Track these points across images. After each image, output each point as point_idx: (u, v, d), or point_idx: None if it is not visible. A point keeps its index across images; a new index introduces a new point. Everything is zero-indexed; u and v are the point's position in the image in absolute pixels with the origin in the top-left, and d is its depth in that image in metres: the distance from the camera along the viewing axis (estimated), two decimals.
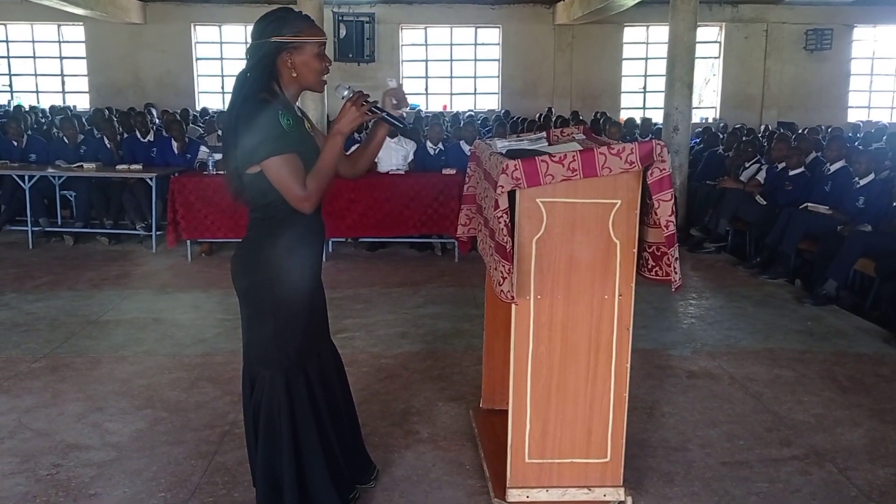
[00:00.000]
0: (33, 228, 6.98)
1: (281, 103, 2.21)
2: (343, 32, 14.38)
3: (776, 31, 15.17)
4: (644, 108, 15.67)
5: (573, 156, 2.33)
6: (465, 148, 7.09)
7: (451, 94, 16.04)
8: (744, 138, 8.55)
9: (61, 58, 15.68)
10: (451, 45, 15.78)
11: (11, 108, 12.76)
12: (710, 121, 14.70)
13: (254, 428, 2.38)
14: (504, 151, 2.66)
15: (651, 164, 2.34)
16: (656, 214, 2.36)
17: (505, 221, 2.31)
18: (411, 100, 2.25)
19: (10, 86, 15.77)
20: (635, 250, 2.47)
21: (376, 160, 4.97)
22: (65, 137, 7.75)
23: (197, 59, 15.44)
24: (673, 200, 2.36)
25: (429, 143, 7.32)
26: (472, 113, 13.96)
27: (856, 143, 9.59)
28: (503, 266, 2.33)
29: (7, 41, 15.61)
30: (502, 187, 2.32)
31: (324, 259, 2.57)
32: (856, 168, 5.95)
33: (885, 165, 6.85)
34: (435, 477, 2.88)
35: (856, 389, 3.80)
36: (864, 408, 3.57)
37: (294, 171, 2.14)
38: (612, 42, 15.34)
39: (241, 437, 2.75)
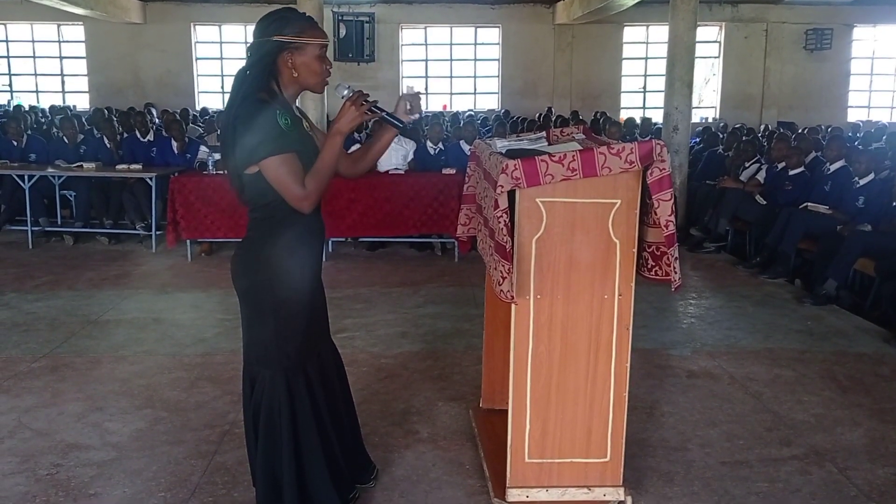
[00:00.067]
0: (33, 228, 6.98)
1: (279, 103, 2.21)
2: (343, 32, 14.37)
3: (776, 31, 15.17)
4: (644, 107, 15.67)
5: (573, 155, 2.33)
6: (465, 148, 7.09)
7: (451, 93, 16.04)
8: (744, 138, 8.55)
9: (61, 57, 15.68)
10: (451, 44, 15.78)
11: (11, 108, 12.75)
12: (710, 120, 14.69)
13: (254, 428, 2.38)
14: (504, 151, 2.66)
15: (651, 164, 2.34)
16: (656, 214, 2.36)
17: (505, 221, 2.31)
18: (421, 92, 2.25)
19: (10, 86, 15.77)
20: (635, 250, 2.47)
21: None
22: (64, 137, 7.74)
23: (197, 58, 15.44)
24: (673, 200, 2.36)
25: (429, 143, 7.32)
26: (472, 113, 13.96)
27: (856, 143, 9.59)
28: (503, 266, 2.33)
29: (7, 41, 15.60)
30: (502, 187, 2.32)
31: (324, 259, 2.57)
32: (856, 168, 5.95)
33: (885, 165, 6.85)
34: (435, 477, 2.88)
35: (856, 389, 3.80)
36: (864, 407, 3.57)
37: (292, 170, 2.13)
38: (611, 42, 15.33)
39: (240, 437, 2.75)
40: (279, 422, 2.31)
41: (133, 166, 7.01)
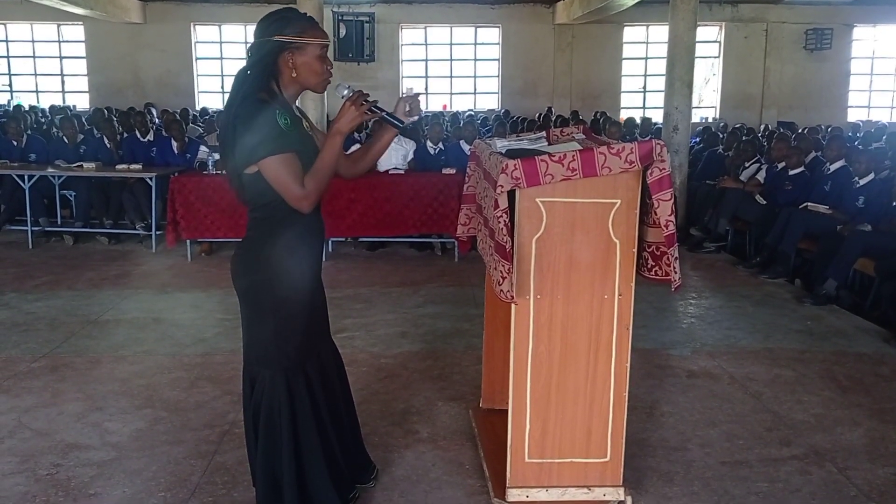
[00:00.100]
0: (33, 228, 6.98)
1: (279, 103, 2.21)
2: (343, 32, 14.37)
3: (776, 31, 15.17)
4: (644, 107, 15.67)
5: (573, 155, 2.33)
6: (465, 147, 7.09)
7: (451, 93, 16.04)
8: (744, 138, 8.55)
9: (61, 57, 15.67)
10: (451, 44, 15.78)
11: (11, 108, 12.75)
12: (710, 120, 14.69)
13: (254, 427, 2.38)
14: (504, 151, 2.66)
15: (651, 164, 2.34)
16: (656, 214, 2.36)
17: (505, 221, 2.31)
18: (420, 94, 2.25)
19: (10, 85, 15.77)
20: (635, 250, 2.47)
21: None
22: (64, 137, 7.74)
23: (197, 58, 15.44)
24: (673, 200, 2.36)
25: (429, 143, 7.32)
26: (472, 112, 13.96)
27: (855, 143, 9.59)
28: (503, 266, 2.33)
29: (7, 41, 15.60)
30: (502, 187, 2.32)
31: (324, 259, 2.57)
32: (855, 168, 5.95)
33: (885, 165, 6.85)
34: (435, 477, 2.88)
35: (855, 389, 3.80)
36: (864, 407, 3.57)
37: (292, 170, 2.13)
38: (611, 42, 15.33)
39: (240, 437, 2.75)
40: (279, 422, 2.31)
41: (133, 166, 7.01)
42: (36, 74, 15.82)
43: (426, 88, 15.82)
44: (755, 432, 3.30)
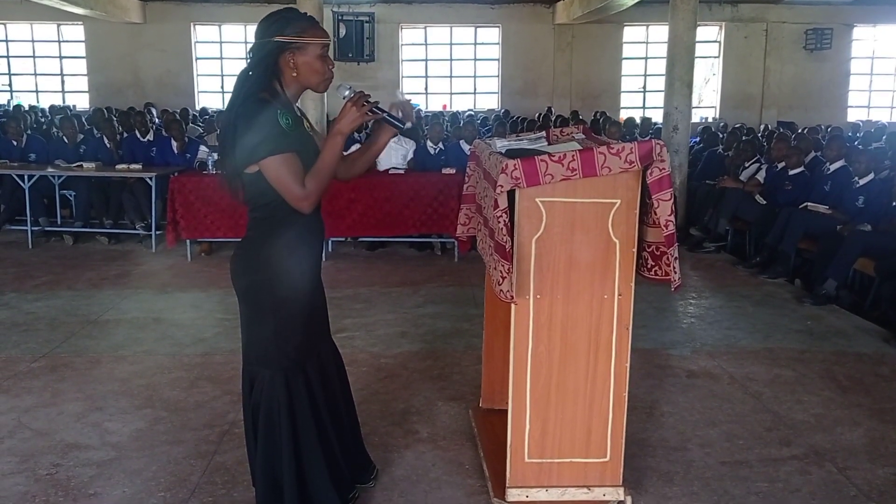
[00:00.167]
0: (33, 228, 6.98)
1: (280, 103, 2.21)
2: (343, 32, 14.36)
3: (776, 31, 15.17)
4: (644, 107, 15.67)
5: (573, 155, 2.33)
6: (465, 147, 7.09)
7: (451, 93, 16.04)
8: (743, 138, 8.55)
9: (61, 57, 15.67)
10: (451, 44, 15.78)
11: (11, 108, 12.75)
12: (710, 120, 14.69)
13: (253, 427, 2.38)
14: (503, 151, 2.66)
15: (650, 164, 2.34)
16: (656, 214, 2.36)
17: (504, 221, 2.31)
18: (411, 99, 2.26)
19: (10, 85, 15.76)
20: (635, 250, 2.47)
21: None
22: (64, 137, 7.74)
23: (197, 58, 15.44)
24: (672, 200, 2.36)
25: (429, 143, 7.32)
26: (472, 112, 13.95)
27: (855, 143, 9.60)
28: (502, 265, 2.33)
29: (7, 41, 15.60)
30: (502, 187, 2.32)
31: (323, 258, 2.57)
32: (855, 168, 5.95)
33: (885, 165, 6.85)
34: (434, 476, 2.88)
35: (855, 389, 3.80)
36: (864, 407, 3.57)
37: (293, 170, 2.14)
38: (611, 41, 15.33)
39: (240, 437, 2.75)
40: (278, 421, 2.30)
41: (133, 166, 7.00)
42: (36, 74, 15.82)
43: (426, 88, 15.83)
44: (755, 432, 3.30)
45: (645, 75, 15.86)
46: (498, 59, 15.61)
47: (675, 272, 2.45)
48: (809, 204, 6.07)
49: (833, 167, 6.28)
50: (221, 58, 15.54)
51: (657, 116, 11.05)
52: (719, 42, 15.41)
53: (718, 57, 15.49)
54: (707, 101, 15.93)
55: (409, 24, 15.35)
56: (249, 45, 2.25)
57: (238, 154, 2.16)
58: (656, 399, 3.63)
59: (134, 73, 15.13)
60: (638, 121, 11.47)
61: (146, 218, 6.94)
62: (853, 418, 3.45)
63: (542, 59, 15.30)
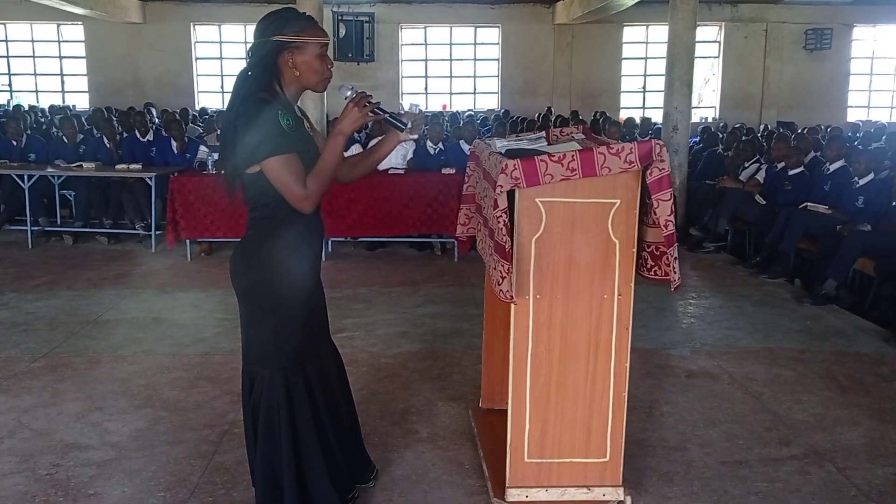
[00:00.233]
0: (33, 228, 6.98)
1: (281, 103, 2.21)
2: (343, 32, 14.36)
3: (776, 31, 15.17)
4: (644, 107, 15.67)
5: (572, 155, 2.33)
6: (465, 147, 7.09)
7: (451, 93, 16.04)
8: (743, 138, 8.55)
9: (61, 57, 15.67)
10: (451, 44, 15.78)
11: (11, 108, 12.75)
12: (710, 120, 14.69)
13: (253, 427, 2.38)
14: (503, 151, 2.66)
15: (650, 164, 2.34)
16: (655, 214, 2.36)
17: (504, 221, 2.31)
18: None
19: (10, 85, 15.76)
20: (634, 250, 2.47)
21: None
22: (64, 137, 7.74)
23: (196, 58, 15.44)
24: (672, 200, 2.36)
25: (428, 143, 7.32)
26: (472, 112, 13.95)
27: (855, 143, 9.60)
28: (502, 266, 2.33)
29: (6, 41, 15.60)
30: (501, 187, 2.32)
31: (323, 258, 2.57)
32: (855, 168, 5.95)
33: (885, 165, 6.85)
34: (434, 476, 2.88)
35: (855, 389, 3.80)
36: (864, 407, 3.57)
37: (294, 171, 2.14)
38: (611, 41, 15.34)
39: (240, 437, 2.75)
40: (278, 421, 2.30)
41: (133, 166, 7.00)
42: (36, 74, 15.82)
43: (426, 88, 15.83)
44: (755, 432, 3.30)
45: (645, 75, 15.86)
46: (498, 59, 15.61)
47: (675, 272, 2.45)
48: (809, 204, 6.07)
49: (833, 167, 6.28)
50: (221, 58, 15.54)
51: (657, 116, 11.04)
52: (719, 42, 15.41)
53: (718, 57, 15.49)
54: (707, 101, 15.93)
55: (409, 24, 15.35)
56: (249, 45, 2.25)
57: (239, 154, 2.16)
58: (656, 399, 3.63)
59: (134, 73, 15.13)
60: (638, 121, 11.48)
61: (146, 218, 6.94)
62: (853, 418, 3.45)
63: (542, 59, 15.30)
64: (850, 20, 15.12)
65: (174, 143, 7.46)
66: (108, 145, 7.57)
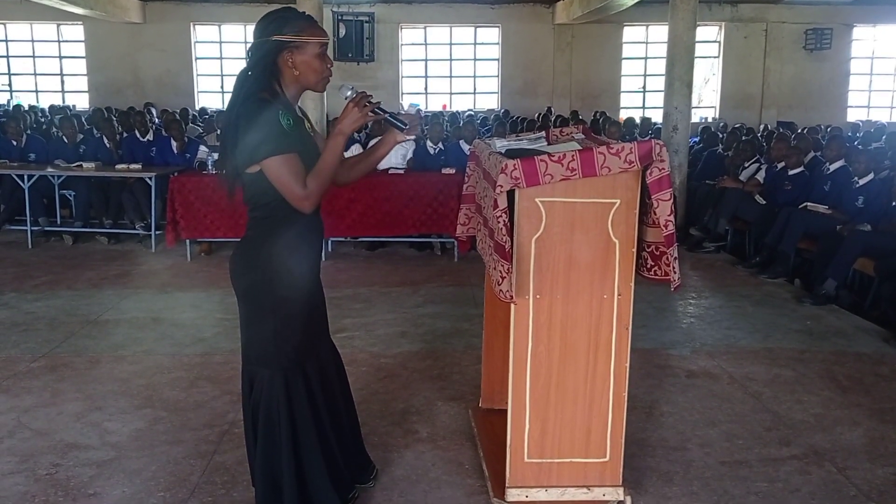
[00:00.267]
0: (32, 228, 6.98)
1: (281, 103, 2.21)
2: (342, 32, 14.36)
3: (776, 31, 15.17)
4: (643, 107, 15.67)
5: (572, 155, 2.33)
6: (465, 147, 7.08)
7: (451, 93, 16.04)
8: (743, 138, 8.55)
9: (61, 57, 15.66)
10: (451, 44, 15.78)
11: (11, 108, 12.75)
12: (710, 120, 14.69)
13: (253, 427, 2.38)
14: (503, 151, 2.66)
15: (650, 164, 2.34)
16: (655, 214, 2.36)
17: (504, 221, 2.31)
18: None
19: (10, 85, 15.76)
20: (634, 250, 2.47)
21: None
22: (64, 137, 7.74)
23: (196, 58, 15.43)
24: (672, 200, 2.36)
25: (428, 143, 7.32)
26: (472, 112, 13.95)
27: (855, 143, 9.60)
28: (502, 265, 2.33)
29: (6, 40, 15.59)
30: (501, 187, 2.32)
31: (323, 258, 2.57)
32: (855, 167, 5.95)
33: (885, 165, 6.86)
34: (434, 476, 2.88)
35: (855, 389, 3.80)
36: (864, 407, 3.57)
37: (294, 170, 2.14)
38: (611, 41, 15.33)
39: (240, 437, 2.75)
40: (278, 421, 2.30)
41: (132, 166, 7.00)
42: (35, 74, 15.82)
43: (426, 88, 15.83)
44: (755, 432, 3.30)
45: (645, 75, 15.86)
46: (498, 59, 15.60)
47: (675, 272, 2.45)
48: (809, 204, 6.07)
49: (833, 167, 6.28)
50: (221, 58, 15.54)
51: (657, 116, 11.04)
52: (719, 42, 15.41)
53: (718, 57, 15.49)
54: (707, 101, 15.93)
55: (409, 24, 15.35)
56: (249, 45, 2.25)
57: (239, 154, 2.16)
58: (656, 399, 3.63)
59: (134, 72, 15.13)
60: (638, 121, 11.48)
61: (146, 218, 6.94)
62: (853, 418, 3.45)
63: (542, 59, 15.30)
64: (850, 20, 15.12)
65: (174, 143, 7.46)
66: (108, 145, 7.57)
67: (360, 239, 6.87)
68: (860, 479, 2.91)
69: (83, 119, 10.45)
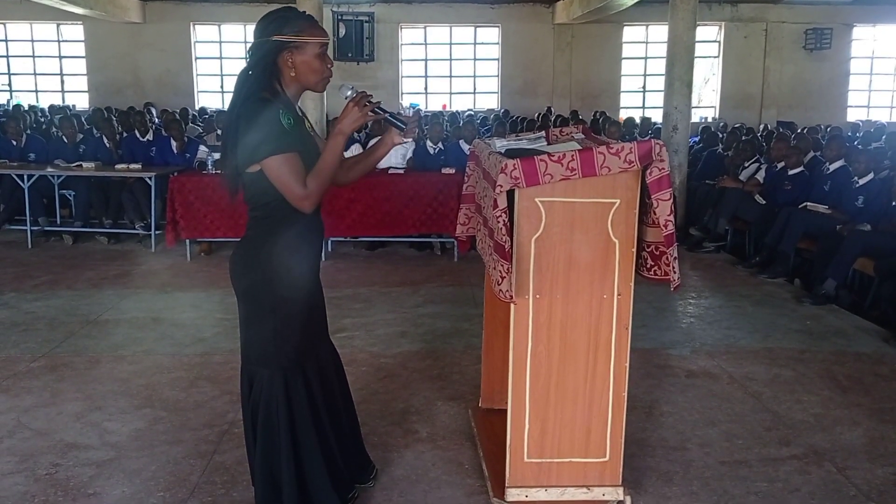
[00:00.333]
0: (32, 228, 6.98)
1: (282, 102, 2.21)
2: (342, 32, 14.37)
3: (775, 31, 15.18)
4: (643, 107, 15.67)
5: (572, 155, 2.33)
6: (465, 147, 7.08)
7: (451, 93, 16.04)
8: (743, 137, 8.56)
9: (60, 57, 15.67)
10: (451, 44, 15.78)
11: (10, 108, 12.74)
12: (710, 120, 14.69)
13: (252, 427, 2.38)
14: (503, 151, 2.66)
15: (650, 164, 2.34)
16: (655, 214, 2.36)
17: (504, 221, 2.31)
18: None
19: (10, 85, 15.76)
20: (634, 249, 2.47)
21: None
22: (64, 137, 7.74)
23: (196, 58, 15.43)
24: (672, 200, 2.36)
25: (428, 143, 7.32)
26: (472, 112, 13.95)
27: (855, 143, 9.60)
28: (502, 265, 2.33)
29: (6, 40, 15.59)
30: (501, 186, 2.32)
31: (323, 258, 2.57)
32: (855, 167, 5.95)
33: (885, 165, 6.86)
34: (434, 476, 2.88)
35: (855, 389, 3.80)
36: (864, 407, 3.57)
37: (294, 170, 2.14)
38: (611, 41, 15.34)
39: (239, 437, 2.75)
40: (277, 421, 2.30)
41: (132, 166, 7.00)
42: (35, 74, 15.82)
43: (426, 88, 15.82)
44: (754, 432, 3.30)
45: (644, 75, 15.86)
46: (497, 59, 15.61)
47: (675, 272, 2.45)
48: (809, 204, 6.07)
49: (833, 167, 6.28)
50: (221, 58, 15.54)
51: (657, 116, 11.05)
52: (719, 42, 15.41)
53: (718, 57, 15.49)
54: (707, 101, 15.93)
55: (409, 23, 15.35)
56: (249, 45, 2.25)
57: (240, 153, 2.16)
58: (656, 399, 3.63)
59: (133, 72, 15.13)
60: (638, 121, 11.48)
61: (146, 218, 6.94)
62: (852, 418, 3.45)
63: (542, 58, 15.30)
64: (850, 20, 15.12)
65: (174, 143, 7.46)
66: (107, 145, 7.57)
67: (360, 239, 6.87)
68: (860, 478, 2.91)
69: (83, 119, 10.45)
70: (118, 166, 7.00)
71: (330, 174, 2.20)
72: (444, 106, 15.52)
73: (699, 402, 3.60)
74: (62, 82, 15.79)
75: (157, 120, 10.53)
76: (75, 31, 15.23)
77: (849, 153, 6.33)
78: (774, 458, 3.06)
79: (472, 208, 3.11)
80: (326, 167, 2.19)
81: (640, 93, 15.99)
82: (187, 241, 6.43)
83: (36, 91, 15.78)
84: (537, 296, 2.45)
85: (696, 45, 7.94)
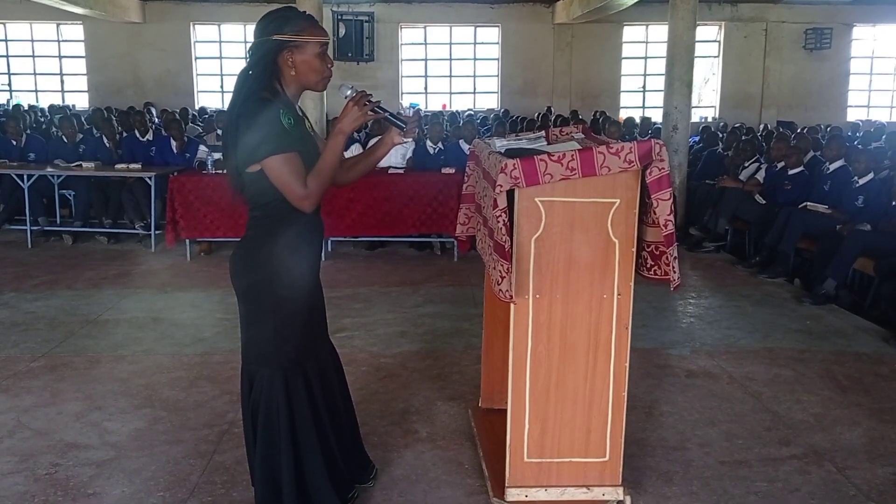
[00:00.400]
0: (32, 228, 6.97)
1: (282, 102, 2.21)
2: (342, 31, 14.37)
3: (775, 31, 15.18)
4: (643, 107, 15.68)
5: (572, 155, 2.33)
6: (465, 147, 7.08)
7: (451, 93, 16.04)
8: (743, 137, 8.56)
9: (60, 57, 15.67)
10: (451, 44, 15.78)
11: (10, 108, 12.74)
12: (710, 120, 14.69)
13: (252, 427, 2.37)
14: (503, 150, 2.66)
15: (650, 164, 2.34)
16: (655, 213, 2.36)
17: (504, 221, 2.31)
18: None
19: (10, 85, 15.76)
20: (634, 249, 2.47)
21: None
22: (64, 136, 7.74)
23: (196, 58, 15.44)
24: (672, 199, 2.36)
25: (428, 142, 7.32)
26: (472, 112, 13.95)
27: (855, 143, 9.60)
28: (502, 265, 2.33)
29: (6, 40, 15.59)
30: (501, 186, 2.32)
31: (323, 258, 2.57)
32: (855, 167, 5.95)
33: (885, 165, 6.86)
34: (434, 476, 2.88)
35: (855, 389, 3.80)
36: (863, 407, 3.57)
37: (295, 170, 2.14)
38: (611, 41, 15.34)
39: (239, 437, 2.75)
40: (277, 421, 2.30)
41: (132, 166, 7.00)
42: (35, 74, 15.82)
43: (426, 88, 15.82)
44: (754, 432, 3.30)
45: (644, 75, 15.86)
46: (497, 59, 15.61)
47: (675, 272, 2.45)
48: (809, 203, 6.07)
49: (833, 167, 6.28)
50: (221, 57, 15.54)
51: (657, 116, 11.05)
52: (719, 42, 15.42)
53: (718, 57, 15.49)
54: (707, 101, 15.93)
55: (409, 23, 15.35)
56: (249, 45, 2.25)
57: (240, 153, 2.16)
58: (655, 399, 3.63)
59: (133, 72, 15.13)
60: (637, 120, 11.47)
61: (145, 217, 6.93)
62: (852, 418, 3.45)
63: (542, 58, 15.30)
64: (850, 20, 15.12)
65: (174, 143, 7.46)
66: (107, 145, 7.57)
67: (360, 239, 6.87)
68: (860, 478, 2.91)
69: (83, 119, 10.44)
70: (118, 166, 7.00)
71: (330, 174, 2.20)
72: (444, 106, 15.51)
73: (699, 402, 3.60)
74: (62, 82, 15.79)
75: (156, 120, 10.53)
76: (75, 30, 15.24)
77: (849, 153, 6.33)
78: (774, 458, 3.06)
79: (472, 208, 3.11)
80: (326, 167, 2.19)
81: (640, 92, 16.00)
82: (187, 240, 6.43)
83: (36, 91, 15.78)
84: (537, 296, 2.45)
85: (696, 44, 7.94)
